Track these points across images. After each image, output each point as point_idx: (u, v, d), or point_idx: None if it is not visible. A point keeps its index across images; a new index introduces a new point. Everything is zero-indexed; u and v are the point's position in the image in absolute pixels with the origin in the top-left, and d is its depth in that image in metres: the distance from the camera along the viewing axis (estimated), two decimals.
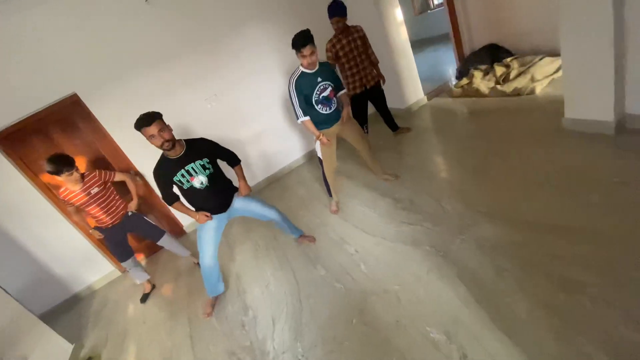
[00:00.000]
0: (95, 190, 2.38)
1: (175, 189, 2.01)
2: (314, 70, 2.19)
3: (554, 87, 3.00)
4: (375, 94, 3.20)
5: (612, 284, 1.37)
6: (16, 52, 2.69)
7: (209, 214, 2.07)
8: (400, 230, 2.21)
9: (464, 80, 3.90)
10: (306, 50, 2.05)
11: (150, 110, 1.82)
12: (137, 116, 1.77)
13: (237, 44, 3.47)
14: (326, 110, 2.31)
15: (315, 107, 2.27)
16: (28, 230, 3.07)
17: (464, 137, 3.02)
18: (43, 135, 2.99)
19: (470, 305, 1.55)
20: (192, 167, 1.91)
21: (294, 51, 2.13)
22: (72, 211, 2.47)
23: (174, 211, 3.60)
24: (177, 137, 1.91)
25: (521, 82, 3.21)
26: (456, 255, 1.84)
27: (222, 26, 3.36)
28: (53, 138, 3.03)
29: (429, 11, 7.32)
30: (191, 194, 2.01)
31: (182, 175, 1.90)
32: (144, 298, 2.85)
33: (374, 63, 3.07)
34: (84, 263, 3.35)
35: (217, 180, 2.05)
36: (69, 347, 2.53)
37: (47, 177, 3.08)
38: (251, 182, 3.92)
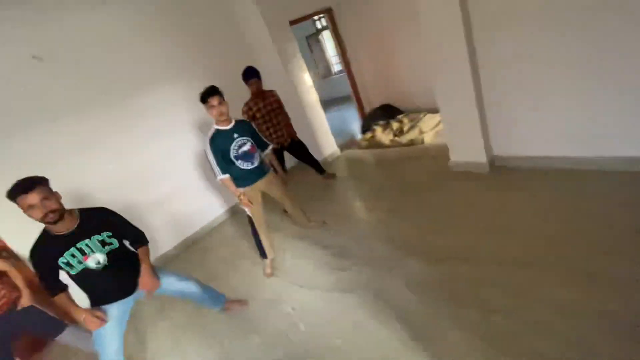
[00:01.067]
0: None
1: (63, 275, 1.58)
2: (229, 127, 2.19)
3: (439, 137, 3.68)
4: (295, 147, 3.40)
5: (521, 305, 1.60)
6: None
7: (102, 316, 1.60)
8: (335, 278, 2.22)
9: (368, 135, 4.46)
10: (213, 100, 2.05)
11: (33, 175, 1.48)
12: (6, 190, 1.42)
13: (142, 103, 3.27)
14: (247, 166, 2.28)
15: (235, 162, 2.23)
16: None
17: (376, 183, 3.37)
18: None
19: (408, 344, 1.59)
20: (86, 244, 1.56)
21: (203, 108, 2.15)
22: None
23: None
24: (68, 207, 1.57)
25: (413, 135, 3.85)
26: (388, 294, 1.91)
27: (125, 85, 3.16)
28: None
29: (331, 77, 8.39)
30: (84, 277, 1.60)
31: (72, 255, 1.53)
32: None
33: (287, 123, 3.28)
34: None
35: (121, 257, 1.70)
36: None
37: None
38: (166, 248, 3.47)
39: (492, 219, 2.17)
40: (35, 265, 1.53)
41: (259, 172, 2.37)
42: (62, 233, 1.53)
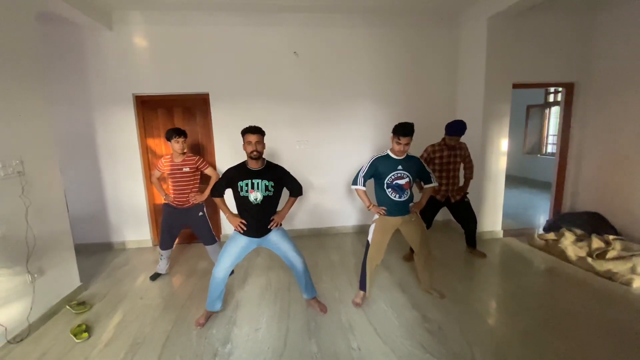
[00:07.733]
0: (186, 169, 2.72)
1: (230, 195, 2.20)
2: (399, 158, 2.28)
3: None
4: (460, 208, 3.15)
5: None
6: (187, 50, 3.51)
7: (244, 224, 2.16)
8: (414, 353, 1.94)
9: (551, 235, 3.54)
10: (403, 140, 2.17)
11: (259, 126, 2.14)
12: (241, 129, 2.11)
13: (347, 109, 3.90)
14: (395, 197, 2.29)
15: (386, 190, 2.30)
16: (113, 172, 3.62)
17: (528, 293, 2.63)
18: (167, 111, 3.66)
19: None
20: (257, 182, 2.10)
21: (390, 135, 2.28)
22: (158, 175, 2.83)
23: (222, 219, 3.88)
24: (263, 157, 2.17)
25: (618, 267, 2.77)
26: None
27: (341, 90, 3.84)
28: (173, 116, 3.67)
29: (538, 155, 7.14)
30: (242, 203, 2.15)
31: (247, 185, 2.09)
32: (154, 277, 2.97)
33: (467, 177, 3.14)
34: (132, 221, 3.72)
35: (270, 204, 2.17)
36: (76, 283, 2.71)
37: (150, 142, 3.66)
38: (296, 226, 4.02)
39: None
40: (224, 174, 2.20)
41: (403, 208, 2.34)
42: (251, 168, 2.13)
